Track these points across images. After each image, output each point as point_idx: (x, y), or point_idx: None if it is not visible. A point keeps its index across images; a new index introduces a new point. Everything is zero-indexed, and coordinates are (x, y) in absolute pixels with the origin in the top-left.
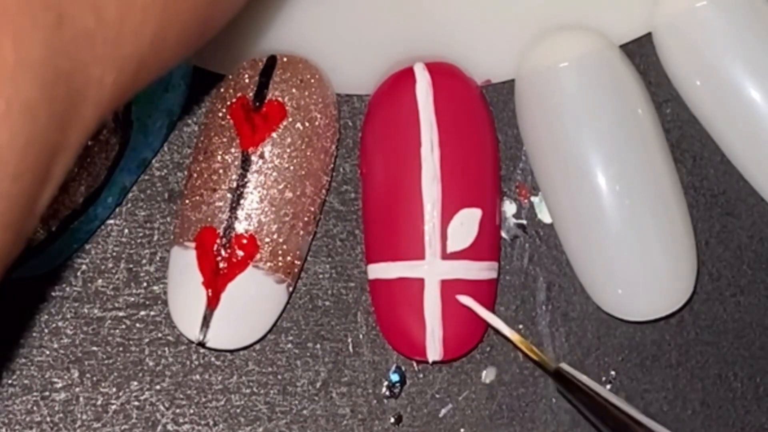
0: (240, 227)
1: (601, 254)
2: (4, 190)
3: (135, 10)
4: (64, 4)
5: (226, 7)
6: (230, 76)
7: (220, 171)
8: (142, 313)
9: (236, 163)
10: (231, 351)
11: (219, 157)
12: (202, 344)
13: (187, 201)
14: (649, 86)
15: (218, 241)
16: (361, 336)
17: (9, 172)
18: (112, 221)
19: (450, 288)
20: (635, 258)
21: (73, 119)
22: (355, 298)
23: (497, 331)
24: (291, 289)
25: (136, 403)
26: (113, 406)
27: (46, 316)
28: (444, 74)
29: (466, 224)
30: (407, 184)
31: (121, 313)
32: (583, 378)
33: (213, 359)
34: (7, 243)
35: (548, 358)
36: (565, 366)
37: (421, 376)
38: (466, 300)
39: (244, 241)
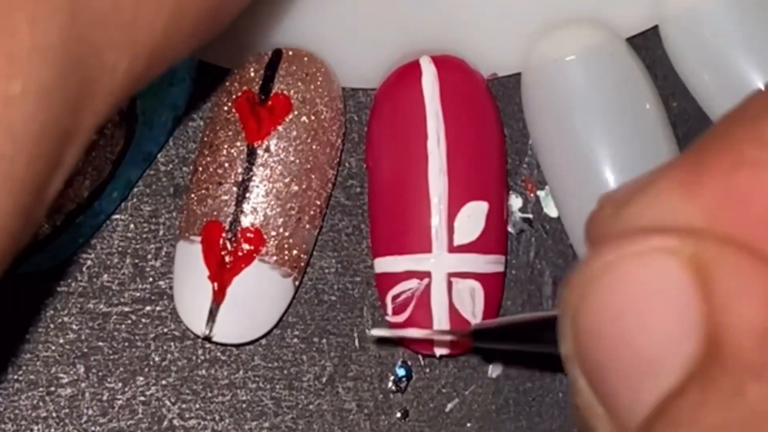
0: (246, 221)
1: None
2: (18, 174)
3: None
4: None
5: None
6: (235, 70)
7: (226, 165)
8: (148, 308)
9: (242, 156)
10: (237, 346)
11: (224, 151)
12: (208, 339)
13: (192, 195)
14: (656, 80)
15: (224, 234)
16: (367, 330)
17: (23, 157)
18: (117, 216)
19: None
20: None
21: (85, 105)
22: (361, 292)
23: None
24: (297, 282)
25: (142, 398)
26: (119, 402)
27: (52, 312)
28: (450, 67)
29: (473, 217)
30: (413, 178)
31: (126, 309)
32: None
33: (219, 354)
34: (19, 229)
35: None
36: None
37: (427, 370)
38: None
39: (250, 235)
